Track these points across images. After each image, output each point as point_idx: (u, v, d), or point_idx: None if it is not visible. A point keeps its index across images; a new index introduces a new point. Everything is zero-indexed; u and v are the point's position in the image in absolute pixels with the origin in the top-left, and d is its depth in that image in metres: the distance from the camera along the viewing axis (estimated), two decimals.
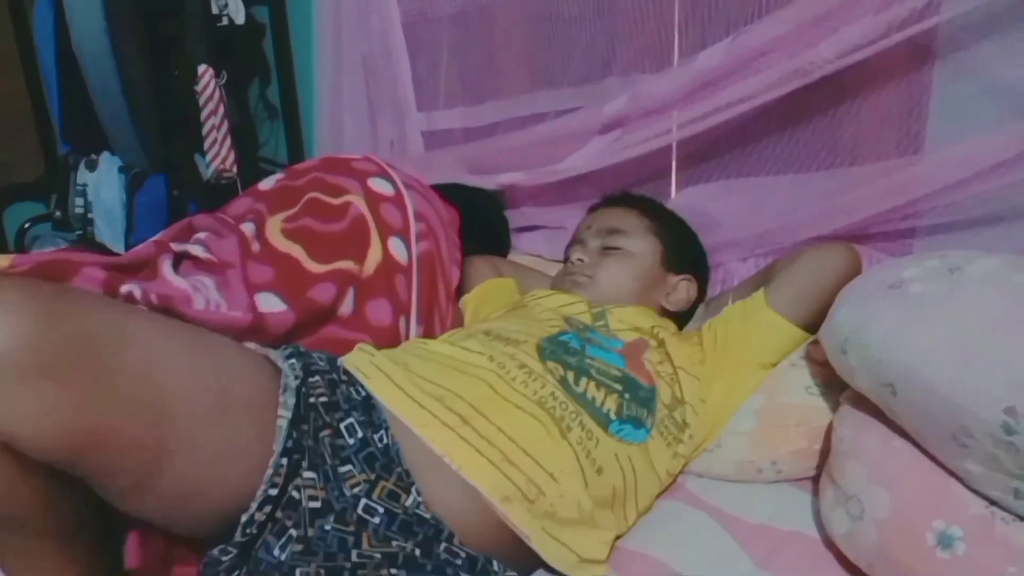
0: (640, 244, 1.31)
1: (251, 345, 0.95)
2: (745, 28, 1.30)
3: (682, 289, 1.32)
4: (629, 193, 1.45)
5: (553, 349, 1.04)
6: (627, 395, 1.03)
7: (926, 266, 0.96)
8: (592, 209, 1.44)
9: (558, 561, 0.90)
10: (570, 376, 1.00)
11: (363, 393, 0.91)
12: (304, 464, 0.82)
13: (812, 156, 1.38)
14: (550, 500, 0.90)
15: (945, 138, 1.24)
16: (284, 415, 0.82)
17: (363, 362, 0.99)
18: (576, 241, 1.37)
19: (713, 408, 1.13)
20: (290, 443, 0.81)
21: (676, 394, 1.10)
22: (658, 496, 1.09)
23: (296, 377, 0.86)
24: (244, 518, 0.80)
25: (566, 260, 1.38)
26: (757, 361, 1.14)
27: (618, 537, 1.01)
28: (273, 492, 0.80)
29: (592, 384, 1.01)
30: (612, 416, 1.00)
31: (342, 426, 0.85)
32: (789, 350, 1.15)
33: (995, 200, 1.17)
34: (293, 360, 0.89)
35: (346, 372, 0.95)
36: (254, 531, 0.80)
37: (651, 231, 1.33)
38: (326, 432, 0.84)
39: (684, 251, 1.36)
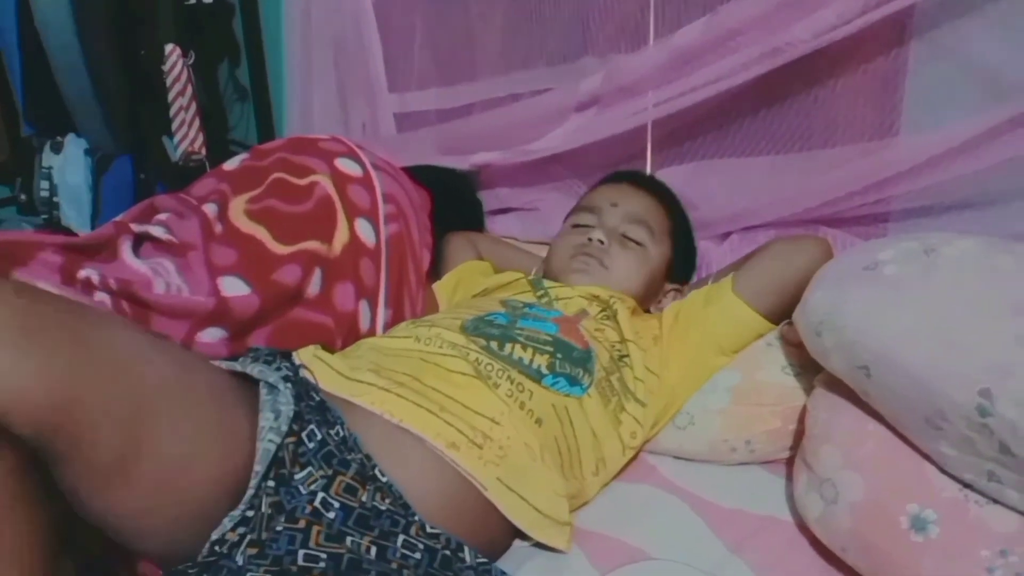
0: (659, 247, 1.27)
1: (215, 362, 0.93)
2: (720, 7, 1.28)
3: (669, 299, 1.30)
4: (656, 180, 1.38)
5: (476, 325, 1.04)
6: (559, 355, 1.02)
7: (901, 248, 0.95)
8: (615, 179, 1.36)
9: (519, 518, 0.90)
10: (494, 344, 1.01)
11: (317, 398, 0.90)
12: (270, 474, 0.82)
13: (788, 137, 1.38)
14: (498, 443, 0.90)
15: (922, 120, 1.23)
16: (274, 440, 0.81)
17: (307, 356, 1.00)
18: (595, 210, 1.28)
19: (669, 387, 1.12)
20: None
21: (620, 360, 1.09)
22: (620, 474, 1.09)
23: (295, 409, 0.85)
24: (215, 535, 0.78)
25: (575, 225, 1.29)
26: (715, 344, 1.13)
27: (578, 505, 1.02)
28: (250, 514, 0.79)
29: (518, 347, 1.01)
30: (544, 371, 1.00)
31: (303, 434, 0.85)
32: (748, 337, 1.14)
33: (970, 184, 1.17)
34: (291, 385, 0.88)
35: (302, 378, 0.94)
36: (224, 550, 0.78)
37: (670, 234, 1.30)
38: (291, 439, 0.84)
39: (685, 262, 1.34)
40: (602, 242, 1.23)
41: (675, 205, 1.35)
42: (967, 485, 0.85)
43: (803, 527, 0.98)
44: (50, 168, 2.38)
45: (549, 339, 1.04)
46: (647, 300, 1.28)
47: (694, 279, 1.40)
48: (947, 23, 1.17)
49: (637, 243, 1.25)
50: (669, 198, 1.34)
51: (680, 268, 1.32)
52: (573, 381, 1.01)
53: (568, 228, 1.31)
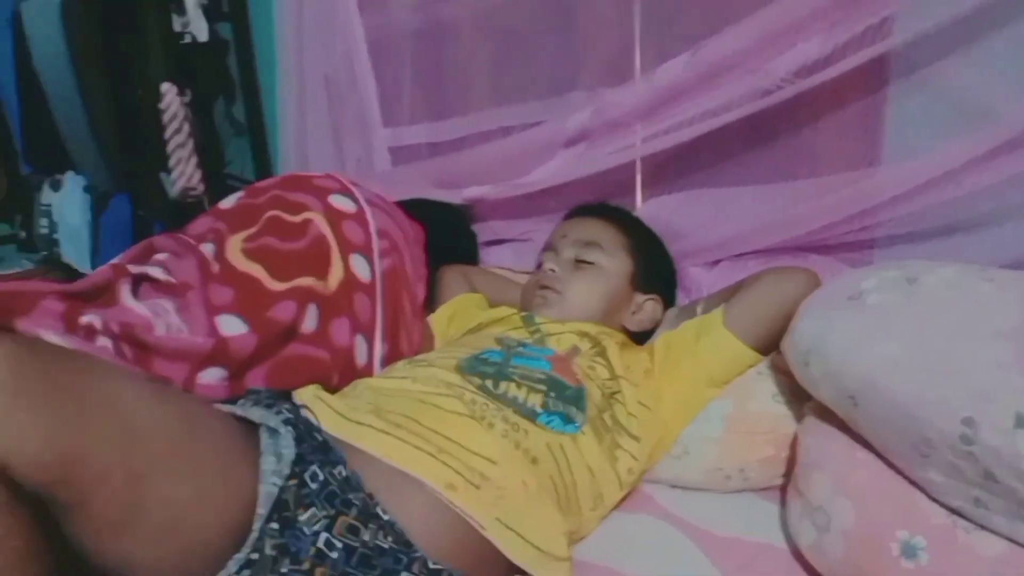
0: (613, 261, 1.30)
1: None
2: (703, 43, 1.31)
3: (648, 309, 1.32)
4: (608, 204, 1.44)
5: (472, 364, 1.06)
6: (552, 393, 1.03)
7: (884, 276, 0.97)
8: (569, 216, 1.43)
9: (518, 556, 0.90)
10: (489, 383, 1.02)
11: (320, 438, 0.92)
12: (274, 517, 0.82)
13: (774, 167, 1.40)
14: (495, 483, 0.91)
15: (903, 150, 1.26)
16: (276, 483, 0.82)
17: (308, 397, 1.02)
18: (550, 248, 1.36)
19: (662, 420, 1.13)
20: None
21: (612, 397, 1.10)
22: (617, 505, 1.09)
23: (296, 452, 0.86)
24: None
25: (538, 266, 1.37)
26: (706, 377, 1.15)
27: (577, 540, 1.02)
28: (255, 556, 0.79)
29: (513, 385, 1.02)
30: (538, 410, 1.01)
31: (306, 476, 0.86)
32: (740, 369, 1.16)
33: (952, 210, 1.19)
34: (292, 428, 0.89)
35: (304, 419, 0.95)
36: None
37: (625, 248, 1.32)
38: (292, 482, 0.85)
39: (654, 271, 1.36)
40: (553, 270, 1.30)
41: (629, 221, 1.39)
42: (955, 511, 0.86)
43: (798, 554, 0.99)
44: (49, 205, 2.40)
45: (543, 377, 1.06)
46: (616, 314, 1.30)
47: (679, 293, 1.42)
48: (925, 56, 1.19)
49: (590, 263, 1.29)
50: (620, 216, 1.39)
51: (649, 278, 1.34)
52: (567, 420, 1.02)
53: (535, 269, 1.39)
